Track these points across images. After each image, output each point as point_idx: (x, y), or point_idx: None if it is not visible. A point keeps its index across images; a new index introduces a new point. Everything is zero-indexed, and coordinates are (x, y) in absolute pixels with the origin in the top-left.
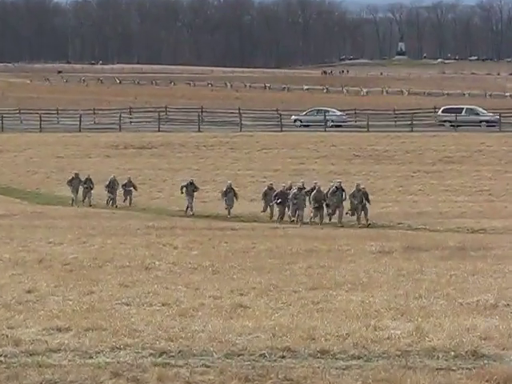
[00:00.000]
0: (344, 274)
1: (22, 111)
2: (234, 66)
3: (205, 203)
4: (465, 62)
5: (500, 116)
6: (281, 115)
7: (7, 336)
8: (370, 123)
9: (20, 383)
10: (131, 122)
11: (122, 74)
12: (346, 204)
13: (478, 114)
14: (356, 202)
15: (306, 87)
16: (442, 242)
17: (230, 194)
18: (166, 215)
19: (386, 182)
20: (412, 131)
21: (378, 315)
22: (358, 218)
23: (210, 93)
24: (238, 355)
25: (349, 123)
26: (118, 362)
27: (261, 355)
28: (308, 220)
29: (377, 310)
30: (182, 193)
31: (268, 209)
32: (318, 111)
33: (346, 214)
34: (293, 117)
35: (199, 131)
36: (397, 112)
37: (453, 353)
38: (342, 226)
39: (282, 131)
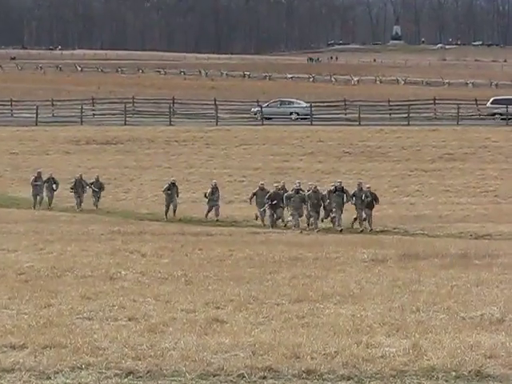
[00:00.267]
0: (332, 284)
1: None
2: (209, 52)
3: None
4: (468, 48)
5: None
6: (262, 107)
7: None
8: (361, 116)
9: None
10: (94, 115)
11: (84, 60)
12: (347, 207)
13: None
14: (359, 202)
15: (289, 75)
16: (442, 248)
17: (216, 194)
18: (134, 219)
19: (379, 181)
20: (409, 125)
21: (370, 331)
22: (360, 222)
23: (182, 82)
24: (214, 375)
25: (338, 116)
26: (79, 383)
27: (239, 375)
28: (305, 225)
29: (369, 325)
30: (169, 194)
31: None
32: (282, 102)
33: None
34: (253, 109)
35: (170, 125)
36: (392, 103)
37: (454, 373)
38: (341, 231)
39: (262, 125)
